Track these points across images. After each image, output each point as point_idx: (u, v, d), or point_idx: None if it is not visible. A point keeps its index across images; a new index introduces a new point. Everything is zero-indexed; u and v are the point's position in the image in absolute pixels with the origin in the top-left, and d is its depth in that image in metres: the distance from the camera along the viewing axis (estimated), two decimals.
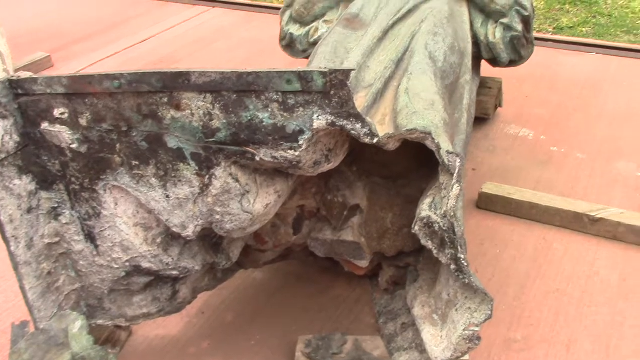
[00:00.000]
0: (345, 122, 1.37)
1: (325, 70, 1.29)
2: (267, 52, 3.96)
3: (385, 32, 2.25)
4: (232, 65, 3.89)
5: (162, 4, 5.06)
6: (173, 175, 1.55)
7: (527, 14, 2.60)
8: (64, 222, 1.69)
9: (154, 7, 4.99)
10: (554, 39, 4.05)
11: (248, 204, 1.57)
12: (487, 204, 2.51)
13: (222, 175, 1.51)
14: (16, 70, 3.73)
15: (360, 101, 1.93)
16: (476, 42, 2.67)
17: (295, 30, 2.92)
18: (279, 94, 1.36)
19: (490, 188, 2.51)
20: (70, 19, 4.80)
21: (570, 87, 3.47)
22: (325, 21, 2.85)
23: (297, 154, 1.42)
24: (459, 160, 1.42)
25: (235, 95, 1.39)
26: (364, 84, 2.01)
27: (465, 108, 2.10)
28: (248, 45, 4.17)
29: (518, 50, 2.69)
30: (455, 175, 1.42)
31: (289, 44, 2.97)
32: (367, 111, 1.81)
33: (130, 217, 1.66)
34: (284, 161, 1.45)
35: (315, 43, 2.81)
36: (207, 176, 1.52)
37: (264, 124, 1.40)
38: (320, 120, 1.36)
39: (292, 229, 1.97)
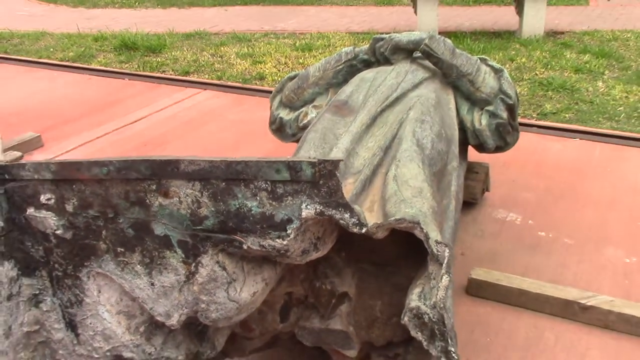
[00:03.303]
0: (334, 211, 1.37)
1: (314, 160, 1.30)
2: (257, 134, 4.01)
3: (374, 119, 2.29)
4: (221, 147, 3.93)
5: (155, 86, 5.15)
6: (159, 262, 1.53)
7: (511, 102, 2.66)
8: (45, 309, 1.65)
9: (147, 89, 5.07)
10: (538, 125, 4.14)
11: (234, 292, 1.54)
12: (477, 290, 2.48)
13: (209, 263, 1.49)
14: (5, 150, 3.74)
15: (349, 188, 1.94)
16: (462, 128, 2.72)
17: (285, 114, 2.97)
18: (268, 182, 1.36)
19: (479, 274, 2.50)
20: (63, 99, 4.86)
21: (556, 172, 3.52)
22: (314, 106, 2.90)
23: (285, 242, 1.41)
24: (448, 251, 1.41)
25: (224, 184, 1.39)
26: (352, 170, 2.03)
27: (454, 194, 2.11)
28: (238, 127, 4.22)
29: (504, 137, 2.74)
30: (444, 265, 1.41)
31: (279, 128, 3.01)
32: (355, 198, 1.82)
33: (113, 305, 1.63)
34: (271, 250, 1.43)
35: (304, 127, 2.85)
36: (194, 264, 1.50)
37: (253, 212, 1.40)
38: (309, 210, 1.36)
39: (279, 316, 1.93)
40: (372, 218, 1.73)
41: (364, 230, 1.40)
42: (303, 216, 1.37)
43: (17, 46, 6.62)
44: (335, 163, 1.29)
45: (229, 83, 5.17)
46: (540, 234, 2.92)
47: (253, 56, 5.94)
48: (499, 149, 2.82)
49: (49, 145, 4.03)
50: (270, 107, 3.05)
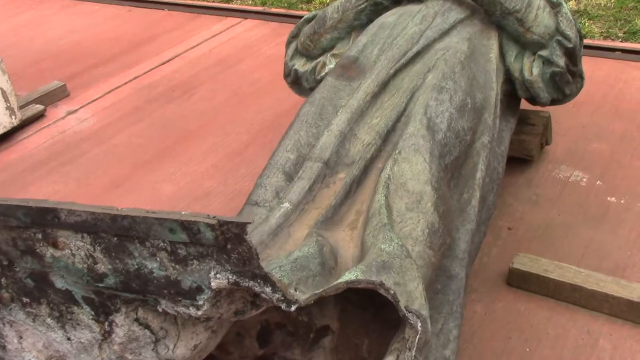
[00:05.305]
0: (251, 282, 1.00)
1: (214, 222, 0.93)
2: None
3: (384, 85, 1.85)
4: (252, 91, 3.57)
5: (194, 17, 4.78)
6: (69, 317, 1.23)
7: (570, 45, 2.12)
8: None
9: (185, 21, 4.71)
10: (622, 48, 3.48)
11: (166, 350, 1.23)
12: (520, 281, 2.06)
13: (125, 323, 1.19)
14: (27, 104, 3.54)
15: (338, 185, 1.55)
16: (510, 78, 2.22)
17: (301, 65, 2.55)
18: (167, 242, 1.01)
19: (523, 262, 2.07)
20: (98, 37, 4.59)
21: (638, 111, 2.93)
22: (333, 55, 2.46)
23: (200, 312, 1.07)
24: (421, 324, 1.03)
25: (115, 239, 1.05)
26: (346, 160, 1.63)
27: (478, 184, 1.68)
28: (274, 64, 3.81)
29: (561, 88, 2.22)
30: (415, 342, 1.03)
31: (295, 81, 2.60)
32: (334, 211, 1.43)
33: (41, 350, 1.36)
34: (188, 317, 1.10)
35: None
36: (107, 323, 1.20)
37: (155, 275, 1.06)
38: (219, 280, 1.01)
39: (257, 342, 1.62)
40: (350, 242, 1.35)
41: (293, 308, 1.03)
42: (213, 287, 1.01)
43: None
44: (241, 225, 0.92)
45: (272, 10, 4.71)
46: (610, 200, 2.42)
47: None
48: (555, 101, 2.31)
49: (75, 94, 3.79)
50: (285, 56, 2.63)
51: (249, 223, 0.93)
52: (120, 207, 1.01)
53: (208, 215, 0.94)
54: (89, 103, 3.69)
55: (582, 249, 2.21)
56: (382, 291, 1.09)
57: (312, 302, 1.07)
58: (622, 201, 2.40)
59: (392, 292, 1.07)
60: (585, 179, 2.54)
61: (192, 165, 2.97)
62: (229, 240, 0.95)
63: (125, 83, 3.86)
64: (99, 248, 1.08)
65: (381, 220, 1.32)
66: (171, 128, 3.31)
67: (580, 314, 1.97)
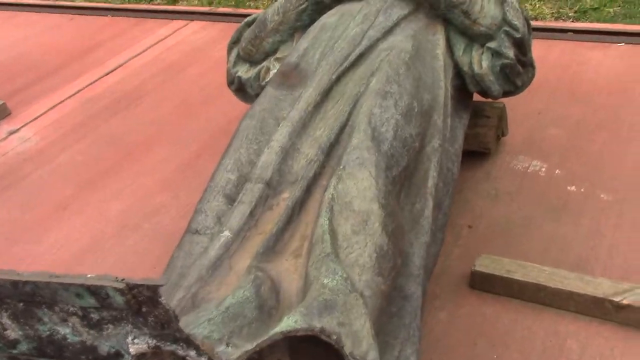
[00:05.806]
0: (173, 346, 0.90)
1: (122, 285, 0.82)
2: None
3: (327, 92, 1.75)
4: (202, 98, 3.44)
5: (139, 21, 4.61)
6: None
7: (518, 35, 2.05)
8: None
9: (129, 27, 4.54)
10: (574, 29, 3.43)
11: None
12: (483, 284, 2.00)
13: None
14: None
15: (282, 206, 1.45)
16: (460, 72, 2.14)
17: (244, 72, 2.44)
18: (77, 306, 0.90)
19: (485, 264, 1.99)
20: (39, 50, 4.41)
21: (593, 93, 2.88)
22: (277, 59, 2.35)
23: None
24: None
25: (22, 305, 0.94)
26: (290, 177, 1.53)
27: (431, 192, 1.60)
28: (222, 68, 3.61)
29: (512, 80, 2.15)
30: None
31: (239, 88, 2.49)
32: (275, 238, 1.33)
33: None
34: None
35: None
36: None
37: (69, 341, 0.95)
38: (138, 345, 0.90)
39: None
40: (294, 273, 1.25)
41: None
42: (132, 352, 0.91)
43: None
44: (152, 288, 0.82)
45: (219, 10, 4.58)
46: (570, 189, 2.37)
47: None
48: (508, 93, 2.23)
49: (17, 112, 3.61)
50: (227, 63, 2.52)
51: (161, 285, 0.82)
52: (20, 271, 0.89)
53: (116, 278, 0.84)
54: (31, 121, 3.52)
55: (544, 244, 2.15)
56: (323, 337, 1.00)
57: (245, 357, 0.98)
58: (582, 189, 2.35)
59: (335, 337, 0.98)
60: (544, 169, 2.49)
61: (140, 180, 2.84)
62: (142, 304, 0.85)
63: (69, 97, 3.69)
64: (5, 314, 0.96)
65: (324, 249, 1.22)
66: (117, 143, 3.17)
67: (546, 313, 1.91)
